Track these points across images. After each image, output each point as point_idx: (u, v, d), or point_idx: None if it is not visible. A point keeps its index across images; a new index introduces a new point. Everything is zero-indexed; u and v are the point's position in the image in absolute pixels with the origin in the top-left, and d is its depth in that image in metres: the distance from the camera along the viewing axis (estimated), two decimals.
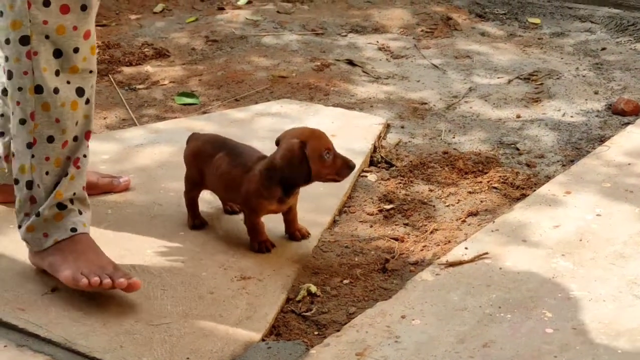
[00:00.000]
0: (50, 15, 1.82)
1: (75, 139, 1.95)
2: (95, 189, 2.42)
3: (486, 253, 2.16)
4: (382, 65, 3.58)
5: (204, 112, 3.11)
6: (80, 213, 2.00)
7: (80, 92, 1.92)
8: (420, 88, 3.35)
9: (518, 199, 2.50)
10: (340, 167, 2.08)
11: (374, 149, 2.79)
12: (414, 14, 4.19)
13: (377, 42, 3.85)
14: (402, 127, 2.99)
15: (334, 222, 2.40)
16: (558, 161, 2.76)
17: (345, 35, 3.94)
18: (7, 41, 1.85)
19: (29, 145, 1.91)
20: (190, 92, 3.29)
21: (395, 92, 3.31)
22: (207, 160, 2.21)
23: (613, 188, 2.49)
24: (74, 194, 1.98)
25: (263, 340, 1.89)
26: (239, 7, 4.28)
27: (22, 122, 1.90)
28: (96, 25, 1.92)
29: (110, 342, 1.83)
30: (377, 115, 3.04)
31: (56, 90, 1.87)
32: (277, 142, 2.15)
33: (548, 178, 2.62)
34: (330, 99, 3.22)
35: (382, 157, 2.76)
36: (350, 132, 2.85)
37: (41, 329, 1.87)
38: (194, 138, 2.29)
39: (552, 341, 1.84)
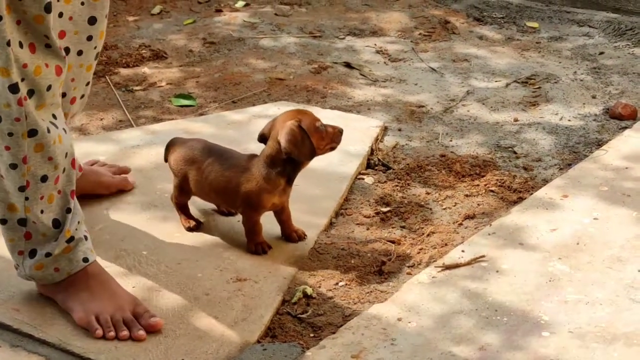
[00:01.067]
0: (25, 55, 1.74)
1: (63, 170, 1.88)
2: (110, 187, 2.41)
3: (483, 256, 2.16)
4: (380, 68, 3.58)
5: (201, 114, 3.10)
6: (86, 238, 1.94)
7: (55, 124, 1.85)
8: (418, 91, 3.35)
9: (515, 202, 2.49)
10: (333, 135, 2.16)
11: (371, 152, 2.79)
12: (411, 17, 4.19)
13: (375, 45, 3.85)
14: (400, 129, 2.99)
15: (331, 224, 2.39)
16: (555, 165, 2.75)
17: (343, 38, 3.93)
18: None
19: (22, 189, 1.83)
20: (187, 93, 3.28)
21: (392, 95, 3.30)
22: (195, 167, 2.19)
23: (610, 192, 2.49)
24: (78, 222, 1.92)
25: (258, 342, 1.88)
26: (237, 10, 4.27)
27: (13, 166, 1.80)
28: None
29: (104, 343, 1.83)
30: (375, 118, 3.04)
31: (49, 130, 1.80)
32: (262, 137, 2.16)
33: (545, 181, 2.62)
34: (327, 102, 3.21)
35: (379, 159, 2.75)
36: (348, 135, 2.80)
37: (36, 330, 1.86)
38: (177, 144, 2.26)
39: (549, 345, 1.84)
